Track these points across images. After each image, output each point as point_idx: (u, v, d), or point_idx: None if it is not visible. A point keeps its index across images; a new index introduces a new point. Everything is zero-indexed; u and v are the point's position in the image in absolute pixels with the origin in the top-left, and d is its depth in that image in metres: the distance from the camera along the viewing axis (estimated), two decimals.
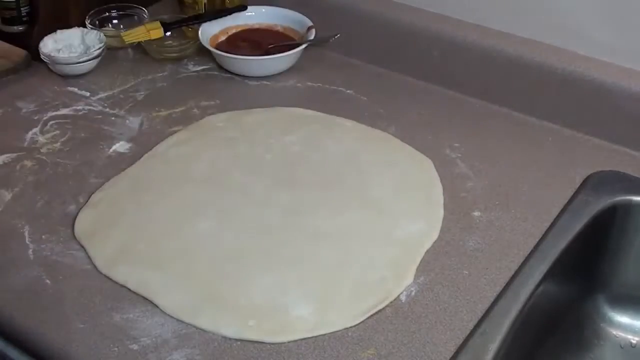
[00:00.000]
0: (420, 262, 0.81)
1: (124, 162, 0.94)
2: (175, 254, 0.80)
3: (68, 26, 1.12)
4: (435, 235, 0.84)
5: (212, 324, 0.73)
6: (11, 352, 0.77)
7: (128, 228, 0.83)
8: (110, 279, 0.78)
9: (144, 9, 1.20)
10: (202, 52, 1.14)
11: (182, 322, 0.74)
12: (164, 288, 0.76)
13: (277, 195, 0.88)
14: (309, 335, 0.72)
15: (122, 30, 1.13)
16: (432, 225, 0.85)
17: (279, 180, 0.90)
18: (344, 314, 0.74)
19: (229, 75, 1.12)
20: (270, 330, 0.72)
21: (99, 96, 1.06)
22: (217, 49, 1.11)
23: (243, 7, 1.19)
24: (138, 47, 1.15)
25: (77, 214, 0.85)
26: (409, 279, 0.78)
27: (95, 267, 0.79)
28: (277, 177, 0.91)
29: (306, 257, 0.80)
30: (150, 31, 1.11)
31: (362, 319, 0.74)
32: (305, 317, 0.73)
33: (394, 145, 0.97)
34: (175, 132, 0.98)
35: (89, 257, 0.80)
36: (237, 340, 0.72)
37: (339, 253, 0.81)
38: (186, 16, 1.19)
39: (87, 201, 0.87)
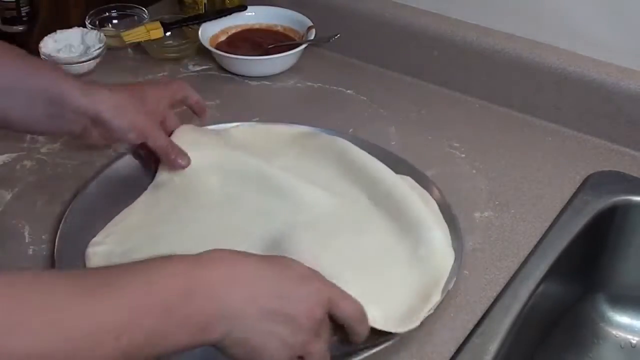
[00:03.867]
0: None
1: None
2: None
3: (68, 26, 1.12)
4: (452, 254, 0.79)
5: None
6: None
7: None
8: None
9: (144, 9, 1.20)
10: (202, 52, 1.14)
11: None
12: None
13: (293, 219, 0.82)
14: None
15: (122, 30, 1.13)
16: (446, 234, 0.81)
17: (290, 205, 0.84)
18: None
19: (229, 75, 1.12)
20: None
21: None
22: (217, 49, 1.11)
23: (243, 7, 1.19)
24: (138, 47, 1.15)
25: (87, 252, 0.78)
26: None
27: None
28: (285, 203, 0.84)
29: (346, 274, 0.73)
30: (150, 31, 1.11)
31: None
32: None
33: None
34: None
35: None
36: None
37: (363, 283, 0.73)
38: (186, 16, 1.19)
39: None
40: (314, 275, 0.60)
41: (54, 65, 0.82)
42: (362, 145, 0.92)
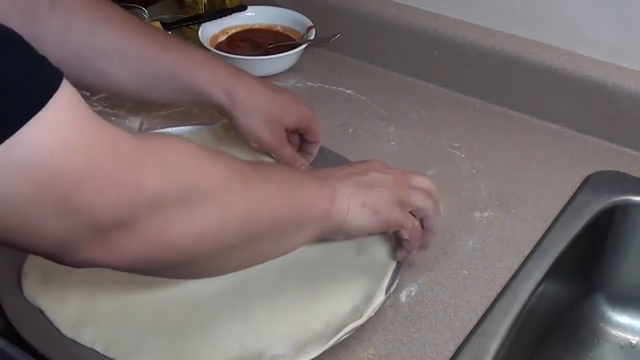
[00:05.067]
0: (420, 262, 0.81)
1: None
2: (141, 308, 0.73)
3: None
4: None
5: None
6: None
7: (83, 282, 0.74)
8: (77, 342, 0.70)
9: (144, 9, 1.19)
10: None
11: None
12: (135, 348, 0.69)
13: None
14: None
15: None
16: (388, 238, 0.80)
17: None
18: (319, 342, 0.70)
19: None
20: None
21: (99, 96, 1.06)
22: (217, 49, 1.11)
23: (243, 7, 1.19)
24: None
25: (23, 268, 0.76)
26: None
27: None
28: None
29: (274, 295, 0.74)
30: None
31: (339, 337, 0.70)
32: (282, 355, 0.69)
33: None
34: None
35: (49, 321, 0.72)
36: None
37: (308, 287, 0.75)
38: (186, 16, 1.19)
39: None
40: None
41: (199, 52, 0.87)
42: None
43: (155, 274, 0.61)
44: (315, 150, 0.91)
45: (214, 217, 0.56)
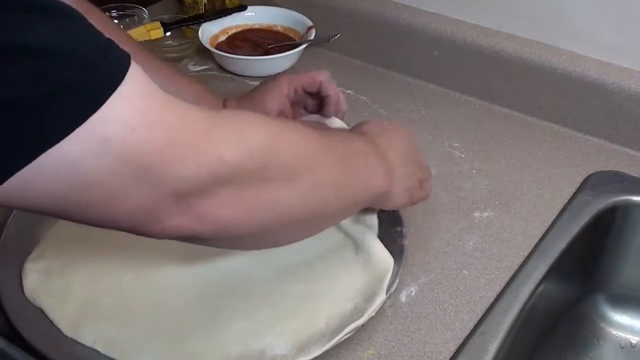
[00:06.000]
0: (420, 262, 0.81)
1: None
2: (141, 306, 0.73)
3: None
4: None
5: None
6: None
7: (84, 282, 0.75)
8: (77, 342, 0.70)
9: (144, 9, 1.20)
10: (202, 52, 1.14)
11: None
12: (136, 347, 0.69)
13: None
14: None
15: None
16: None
17: None
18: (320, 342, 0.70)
19: (229, 75, 1.12)
20: None
21: None
22: (217, 49, 1.11)
23: (243, 7, 1.19)
24: None
25: (24, 268, 0.76)
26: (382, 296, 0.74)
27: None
28: None
29: (276, 295, 0.74)
30: (150, 31, 1.11)
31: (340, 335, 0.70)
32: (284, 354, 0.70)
33: None
34: None
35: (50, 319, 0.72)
36: None
37: (309, 287, 0.76)
38: (186, 16, 1.19)
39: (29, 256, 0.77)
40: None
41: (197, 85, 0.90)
42: None
43: (229, 244, 0.64)
44: (335, 98, 0.91)
45: (286, 188, 0.58)
